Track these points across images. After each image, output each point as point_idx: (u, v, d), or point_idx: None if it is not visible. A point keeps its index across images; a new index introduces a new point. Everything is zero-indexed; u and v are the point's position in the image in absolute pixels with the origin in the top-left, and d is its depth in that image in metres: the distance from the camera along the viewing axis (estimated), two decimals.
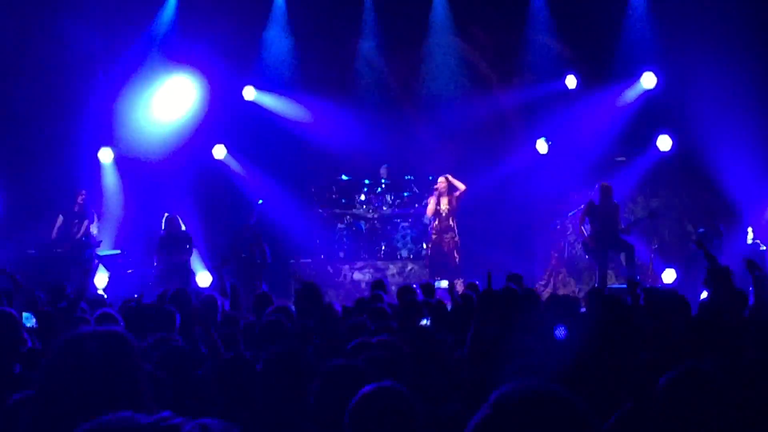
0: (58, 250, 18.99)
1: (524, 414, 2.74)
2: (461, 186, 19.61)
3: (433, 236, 19.78)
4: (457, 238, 19.60)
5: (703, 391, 4.70)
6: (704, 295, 11.61)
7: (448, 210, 19.52)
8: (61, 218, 19.46)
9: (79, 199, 19.59)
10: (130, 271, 20.06)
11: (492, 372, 6.14)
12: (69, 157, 20.94)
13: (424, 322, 9.34)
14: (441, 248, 19.61)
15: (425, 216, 20.57)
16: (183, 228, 18.87)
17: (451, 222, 19.57)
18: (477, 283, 13.96)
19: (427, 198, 20.49)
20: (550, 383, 2.84)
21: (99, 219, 20.13)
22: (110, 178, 22.01)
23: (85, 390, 3.35)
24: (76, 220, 19.44)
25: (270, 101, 23.07)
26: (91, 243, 19.28)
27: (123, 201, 21.97)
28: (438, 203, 19.58)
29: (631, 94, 21.60)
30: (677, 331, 8.71)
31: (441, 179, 19.66)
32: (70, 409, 3.32)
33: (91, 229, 19.56)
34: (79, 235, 19.28)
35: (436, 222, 19.66)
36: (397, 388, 4.41)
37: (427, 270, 20.10)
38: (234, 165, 22.70)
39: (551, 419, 2.72)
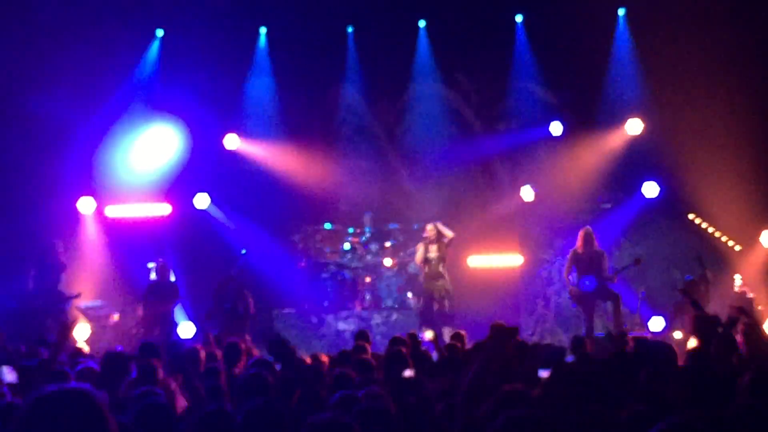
0: (38, 303, 18.82)
1: None
2: (449, 234, 19.55)
3: (424, 285, 19.67)
4: (448, 286, 19.50)
5: None
6: (692, 343, 11.49)
7: (437, 257, 19.44)
8: (33, 272, 19.35)
9: (54, 251, 19.46)
10: (115, 317, 19.92)
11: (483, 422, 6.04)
12: (49, 208, 20.79)
13: (408, 372, 9.23)
14: (432, 296, 19.52)
15: (413, 263, 20.52)
16: (172, 278, 18.81)
17: (440, 269, 19.48)
18: (463, 332, 13.88)
19: (415, 246, 20.44)
20: None
21: (66, 270, 19.91)
22: (90, 229, 21.86)
23: None
24: (50, 272, 19.30)
25: (252, 149, 22.98)
26: (69, 294, 19.12)
27: (103, 251, 21.80)
28: (427, 251, 19.50)
29: (616, 140, 21.56)
30: (666, 380, 8.62)
31: (430, 227, 19.61)
32: None
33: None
34: (58, 287, 19.14)
35: (426, 269, 19.57)
36: None
37: (417, 319, 20.00)
38: (217, 214, 22.57)
39: None
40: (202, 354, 10.77)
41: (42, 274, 19.28)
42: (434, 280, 19.51)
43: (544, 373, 10.83)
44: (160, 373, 9.36)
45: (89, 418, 3.39)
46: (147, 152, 22.38)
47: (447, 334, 17.80)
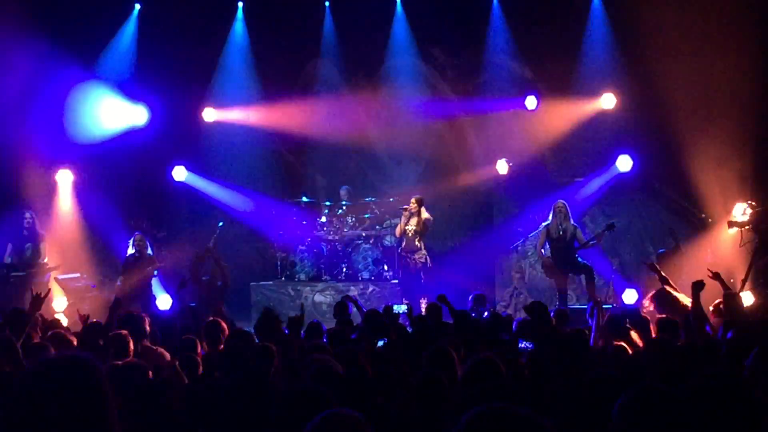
0: (16, 274, 18.84)
1: None
2: (425, 215, 19.72)
3: (402, 257, 19.92)
4: (424, 258, 19.68)
5: (659, 411, 4.72)
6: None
7: (414, 230, 19.61)
8: (10, 246, 19.38)
9: (26, 223, 19.47)
10: (94, 288, 19.98)
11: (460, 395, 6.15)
12: (24, 178, 20.74)
13: (381, 344, 9.38)
14: (408, 268, 19.74)
15: (390, 236, 20.70)
16: (149, 250, 18.89)
17: (417, 242, 19.65)
18: (438, 304, 14.02)
19: (394, 218, 20.71)
20: (520, 405, 2.90)
21: (43, 240, 19.89)
22: (67, 200, 21.84)
23: (53, 417, 3.34)
24: (28, 244, 19.32)
25: (229, 123, 23.04)
26: (48, 266, 19.18)
27: (81, 223, 21.79)
28: (406, 223, 19.69)
29: (590, 114, 21.62)
30: (637, 350, 8.80)
31: (413, 200, 19.78)
32: None
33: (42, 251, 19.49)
34: (39, 259, 19.20)
35: (404, 242, 19.78)
36: (354, 416, 4.37)
37: (395, 291, 20.24)
38: (195, 185, 22.63)
39: None
40: (178, 325, 10.87)
41: (17, 248, 19.31)
42: (411, 253, 19.71)
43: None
44: (131, 345, 9.48)
45: (86, 387, 3.44)
46: (124, 126, 22.34)
47: (424, 305, 18.07)
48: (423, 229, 19.73)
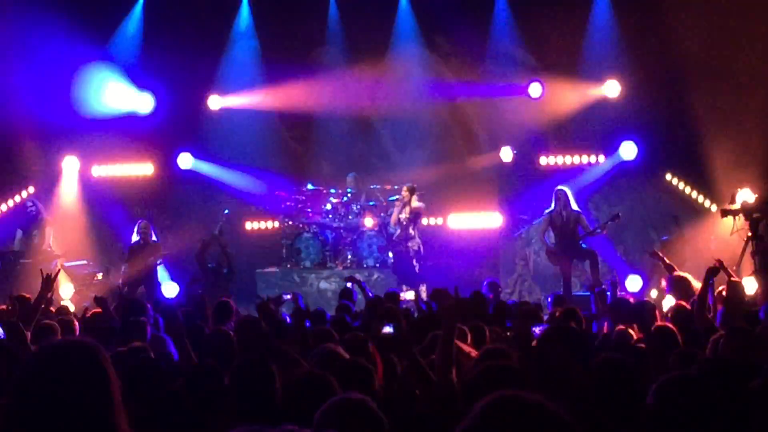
0: (24, 261, 18.93)
1: (512, 422, 2.79)
2: (415, 204, 19.81)
3: (397, 245, 19.97)
4: (416, 246, 19.74)
5: (694, 398, 4.74)
6: (668, 301, 11.75)
7: (408, 218, 19.68)
8: (20, 232, 19.46)
9: (29, 209, 19.57)
10: (99, 276, 20.04)
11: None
12: (30, 164, 20.80)
13: (386, 329, 9.40)
14: (402, 256, 19.79)
15: (390, 225, 20.70)
16: (154, 237, 18.96)
17: (410, 230, 19.73)
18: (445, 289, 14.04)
19: (393, 208, 20.74)
20: (534, 393, 2.89)
21: (48, 225, 19.96)
22: (72, 188, 21.89)
23: (58, 401, 3.37)
24: (35, 231, 19.41)
25: (235, 110, 23.04)
26: (55, 253, 19.25)
27: (87, 210, 21.85)
28: (400, 212, 19.75)
29: (594, 100, 21.58)
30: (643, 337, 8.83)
31: (404, 189, 19.85)
32: (43, 419, 3.34)
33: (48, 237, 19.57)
34: (44, 246, 19.26)
35: (399, 230, 19.83)
36: (364, 400, 4.40)
37: (396, 278, 20.29)
38: (202, 170, 22.67)
39: (538, 428, 2.77)
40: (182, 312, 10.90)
41: (26, 235, 19.41)
42: (406, 241, 19.78)
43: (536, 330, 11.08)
44: (149, 331, 9.53)
45: (91, 371, 3.47)
46: (128, 112, 22.38)
47: (424, 292, 18.17)
48: (415, 218, 19.80)
